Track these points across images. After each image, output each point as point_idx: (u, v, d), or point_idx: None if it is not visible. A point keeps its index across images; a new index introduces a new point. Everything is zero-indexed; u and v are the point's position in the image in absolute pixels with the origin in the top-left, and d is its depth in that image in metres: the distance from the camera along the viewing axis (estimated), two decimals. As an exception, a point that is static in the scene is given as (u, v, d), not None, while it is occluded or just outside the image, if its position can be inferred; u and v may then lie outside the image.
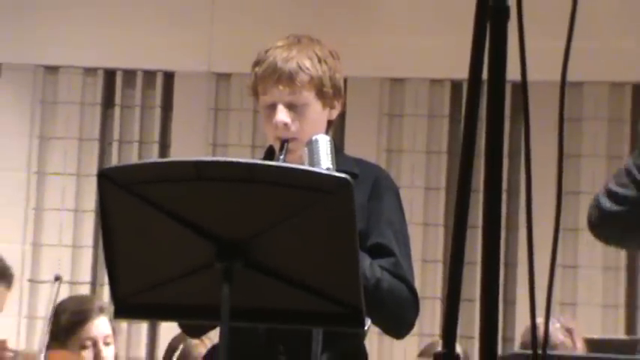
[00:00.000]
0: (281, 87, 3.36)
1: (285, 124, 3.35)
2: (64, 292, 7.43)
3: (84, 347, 4.52)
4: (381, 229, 3.32)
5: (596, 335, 6.80)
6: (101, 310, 4.53)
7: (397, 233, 3.36)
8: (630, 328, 7.88)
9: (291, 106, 3.37)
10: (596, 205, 3.22)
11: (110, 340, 4.59)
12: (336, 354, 3.29)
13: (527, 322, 5.71)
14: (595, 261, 7.94)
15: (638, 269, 7.88)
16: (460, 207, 1.75)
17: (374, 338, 3.40)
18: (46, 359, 4.08)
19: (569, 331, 5.70)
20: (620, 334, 7.62)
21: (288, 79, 3.36)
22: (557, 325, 5.61)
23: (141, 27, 8.19)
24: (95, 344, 4.54)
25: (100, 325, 4.56)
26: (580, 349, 5.61)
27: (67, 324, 4.49)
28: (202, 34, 8.23)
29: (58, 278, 4.43)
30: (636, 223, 3.14)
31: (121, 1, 8.25)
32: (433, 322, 7.58)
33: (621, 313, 7.95)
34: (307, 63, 3.37)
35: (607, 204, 3.18)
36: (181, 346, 5.05)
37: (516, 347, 6.15)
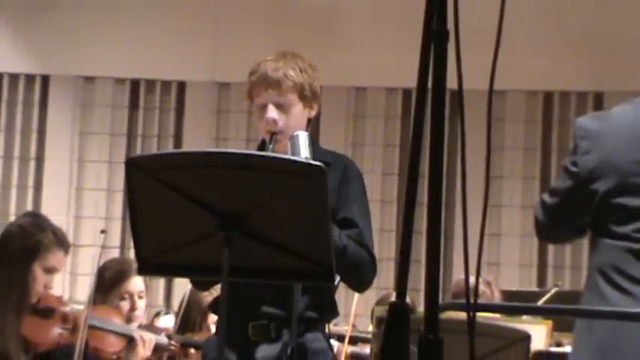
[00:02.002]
0: (270, 91, 3.35)
1: (274, 120, 3.34)
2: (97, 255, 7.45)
3: (122, 299, 4.51)
4: (348, 207, 3.30)
5: (514, 288, 6.83)
6: (137, 271, 4.52)
7: (360, 210, 3.34)
8: (541, 282, 7.91)
9: (278, 106, 3.35)
10: (541, 204, 3.12)
11: (143, 294, 4.58)
12: (312, 303, 3.29)
13: (460, 278, 5.72)
14: (514, 230, 7.98)
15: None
16: (410, 188, 1.74)
17: (341, 291, 3.39)
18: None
19: (488, 284, 5.73)
20: (534, 287, 7.65)
21: (276, 84, 3.35)
22: (480, 279, 5.63)
23: (160, 47, 8.17)
24: (131, 297, 4.53)
25: (136, 283, 4.55)
26: (497, 297, 5.64)
27: (110, 280, 4.48)
28: (207, 53, 8.21)
29: (103, 231, 4.49)
30: (572, 209, 3.04)
31: (143, 27, 8.22)
32: (388, 279, 7.59)
33: (534, 270, 7.99)
34: (291, 72, 3.36)
35: (547, 199, 3.10)
36: (190, 297, 5.03)
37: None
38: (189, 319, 5.02)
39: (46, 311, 3.99)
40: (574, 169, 2.98)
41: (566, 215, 3.05)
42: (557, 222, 3.08)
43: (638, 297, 2.82)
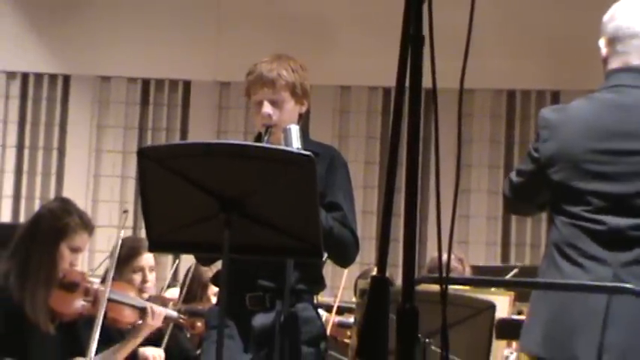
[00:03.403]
0: (266, 89, 3.34)
1: (269, 115, 3.33)
2: (113, 235, 7.44)
3: (135, 272, 4.52)
4: (334, 192, 3.30)
5: (481, 263, 6.86)
6: (148, 248, 4.52)
7: (345, 195, 3.34)
8: (504, 258, 7.93)
9: (272, 103, 3.35)
10: (508, 181, 3.14)
11: (154, 269, 4.59)
12: (302, 277, 3.29)
13: (434, 255, 5.73)
14: (481, 212, 7.99)
15: (510, 218, 7.94)
16: (390, 179, 1.74)
17: (328, 266, 3.40)
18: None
19: (460, 260, 5.73)
20: (498, 263, 7.68)
21: (270, 83, 3.34)
22: (453, 256, 5.64)
23: (168, 50, 8.15)
24: (143, 271, 4.54)
25: (148, 258, 4.55)
26: (468, 272, 5.65)
27: (125, 255, 4.49)
28: (210, 56, 8.20)
29: (125, 211, 4.51)
30: (533, 189, 3.06)
31: (153, 32, 8.20)
32: (370, 255, 7.60)
33: (498, 248, 8.01)
34: (284, 72, 3.35)
35: (514, 178, 3.12)
36: (194, 271, 5.03)
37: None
38: (191, 290, 5.02)
39: (71, 285, 3.99)
40: (536, 154, 3.03)
41: (528, 193, 3.09)
42: (520, 198, 3.12)
43: (588, 269, 2.86)
